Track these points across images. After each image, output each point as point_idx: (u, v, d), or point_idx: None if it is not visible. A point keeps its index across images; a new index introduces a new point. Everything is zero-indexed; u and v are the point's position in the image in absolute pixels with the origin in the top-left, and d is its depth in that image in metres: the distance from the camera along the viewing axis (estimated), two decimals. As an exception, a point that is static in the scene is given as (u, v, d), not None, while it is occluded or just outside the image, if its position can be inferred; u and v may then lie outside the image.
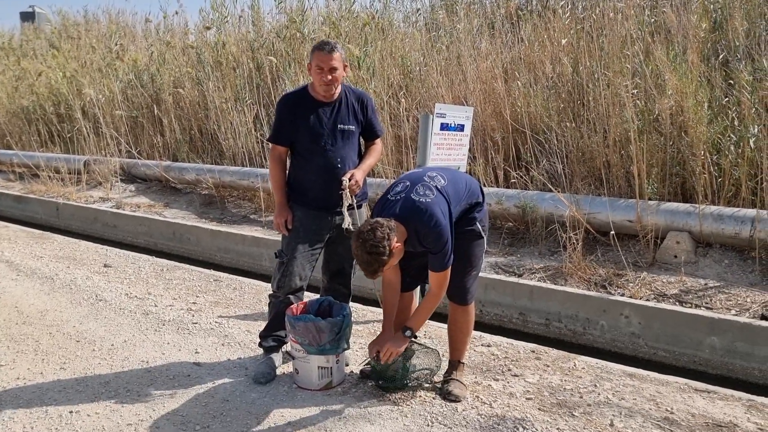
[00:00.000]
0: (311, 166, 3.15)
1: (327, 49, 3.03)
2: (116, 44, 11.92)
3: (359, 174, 3.12)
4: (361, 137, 3.30)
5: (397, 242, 2.62)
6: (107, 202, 8.45)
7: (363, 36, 8.62)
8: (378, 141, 3.36)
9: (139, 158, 9.42)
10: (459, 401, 2.87)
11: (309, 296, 3.35)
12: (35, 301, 4.44)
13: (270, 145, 3.26)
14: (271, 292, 3.24)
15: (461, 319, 3.03)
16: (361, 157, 3.28)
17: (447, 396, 2.90)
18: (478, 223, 2.92)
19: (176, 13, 12.38)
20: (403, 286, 3.04)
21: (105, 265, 5.42)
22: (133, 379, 3.18)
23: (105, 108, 10.05)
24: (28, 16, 19.04)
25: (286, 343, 3.22)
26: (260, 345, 3.26)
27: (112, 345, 3.62)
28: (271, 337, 3.21)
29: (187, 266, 5.45)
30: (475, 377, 3.12)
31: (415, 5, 10.64)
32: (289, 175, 3.26)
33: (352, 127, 3.18)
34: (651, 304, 4.24)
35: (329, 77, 3.02)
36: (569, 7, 7.47)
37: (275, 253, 3.22)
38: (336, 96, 3.15)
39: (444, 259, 2.73)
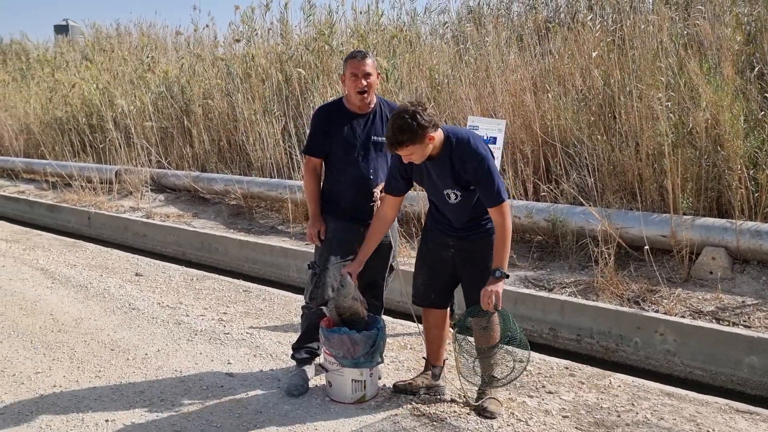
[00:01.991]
0: (344, 178, 3.18)
1: (359, 56, 3.11)
2: (148, 56, 12.14)
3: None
4: None
5: (432, 131, 2.64)
6: (137, 211, 8.57)
7: (391, 48, 8.67)
8: None
9: (168, 168, 9.55)
10: (494, 418, 2.84)
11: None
12: (70, 309, 4.51)
13: (305, 157, 3.28)
14: (304, 304, 3.24)
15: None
16: None
17: (482, 412, 2.87)
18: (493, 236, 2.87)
19: (206, 26, 12.51)
20: (430, 301, 3.07)
21: (136, 274, 5.49)
22: (168, 388, 3.20)
23: (136, 119, 10.22)
24: (61, 29, 19.43)
25: (318, 355, 3.21)
26: (293, 357, 3.26)
27: (146, 354, 3.66)
28: (304, 349, 3.21)
29: (217, 276, 5.50)
30: (509, 393, 3.09)
31: (442, 18, 10.66)
32: (323, 187, 3.28)
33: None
34: (687, 321, 4.15)
35: (364, 83, 3.06)
36: (599, 19, 7.43)
37: (308, 265, 3.24)
38: (371, 107, 3.18)
39: (494, 188, 2.70)
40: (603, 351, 4.43)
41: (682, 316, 4.29)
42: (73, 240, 7.15)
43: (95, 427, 2.85)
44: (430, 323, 3.12)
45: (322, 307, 3.11)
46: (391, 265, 3.33)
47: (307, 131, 3.53)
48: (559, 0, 9.36)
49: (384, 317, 3.96)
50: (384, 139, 3.14)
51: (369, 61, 3.08)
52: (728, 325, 4.12)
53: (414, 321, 3.43)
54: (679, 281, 4.80)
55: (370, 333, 2.88)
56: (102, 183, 9.54)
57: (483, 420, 2.82)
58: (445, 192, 2.84)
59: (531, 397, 3.06)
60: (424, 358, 3.24)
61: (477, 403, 2.93)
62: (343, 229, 3.17)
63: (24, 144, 12.53)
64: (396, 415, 2.88)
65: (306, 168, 3.26)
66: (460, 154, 2.74)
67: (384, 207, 2.99)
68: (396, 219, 3.36)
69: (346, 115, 3.16)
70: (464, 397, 3.02)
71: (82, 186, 9.51)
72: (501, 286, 2.75)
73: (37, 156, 11.90)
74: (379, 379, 3.16)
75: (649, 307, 4.50)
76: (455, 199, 2.83)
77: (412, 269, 3.17)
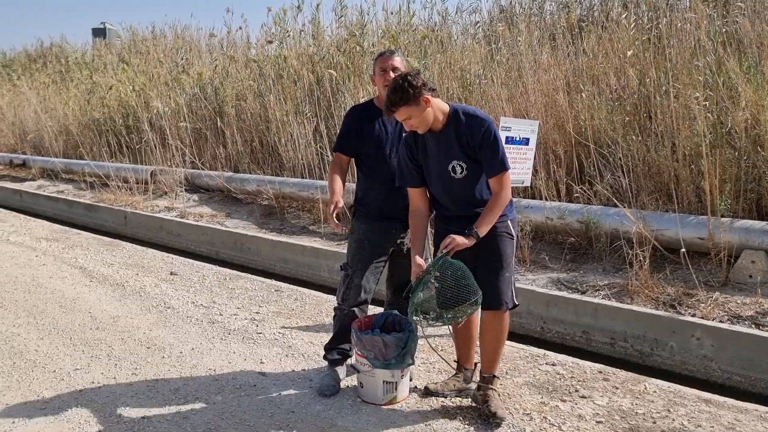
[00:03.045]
0: (376, 175, 3.20)
1: (387, 53, 3.20)
2: (182, 59, 12.34)
3: None
4: None
5: (428, 95, 2.69)
6: (172, 211, 8.71)
7: (422, 49, 8.66)
8: None
9: (202, 169, 9.69)
10: (504, 419, 2.80)
11: (373, 309, 3.36)
12: (107, 307, 4.61)
13: (334, 154, 3.29)
14: (336, 305, 3.26)
15: (495, 327, 2.88)
16: None
17: (492, 417, 2.79)
18: (509, 221, 2.89)
19: (239, 28, 12.66)
20: None
21: (171, 273, 5.59)
22: (202, 387, 3.25)
23: (171, 120, 10.40)
24: (99, 32, 19.87)
25: (350, 356, 3.23)
26: (325, 357, 3.28)
27: (181, 352, 3.72)
28: (336, 350, 3.23)
29: (249, 276, 5.56)
30: (542, 397, 3.06)
31: (474, 18, 10.60)
32: (356, 189, 3.31)
33: None
34: (725, 326, 4.06)
35: (392, 75, 3.04)
36: (633, 17, 7.30)
37: (341, 266, 3.25)
38: None
39: (499, 155, 2.74)
40: (637, 355, 4.36)
41: (720, 321, 4.20)
42: (110, 239, 7.30)
43: (132, 423, 2.91)
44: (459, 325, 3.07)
45: (354, 309, 3.13)
46: None
47: (338, 131, 3.53)
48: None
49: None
50: None
51: (397, 57, 3.16)
52: (768, 331, 4.02)
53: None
54: (717, 285, 4.70)
55: (402, 335, 2.89)
56: (138, 183, 9.73)
57: (515, 424, 2.80)
58: (450, 165, 2.81)
59: (564, 401, 3.02)
60: (455, 361, 3.21)
61: (481, 405, 2.89)
62: (375, 229, 3.18)
63: (63, 145, 12.85)
64: (427, 417, 2.88)
65: (332, 163, 3.28)
66: (469, 124, 2.76)
67: (414, 201, 2.97)
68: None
69: (377, 114, 3.18)
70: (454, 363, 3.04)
71: (118, 186, 9.71)
72: (463, 241, 2.72)
73: (75, 156, 12.18)
74: (411, 380, 3.17)
75: (685, 311, 4.41)
76: (461, 172, 2.80)
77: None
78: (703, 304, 4.43)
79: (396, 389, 2.94)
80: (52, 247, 6.77)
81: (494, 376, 2.95)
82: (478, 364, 3.08)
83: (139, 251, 6.62)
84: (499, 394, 2.95)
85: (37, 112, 13.85)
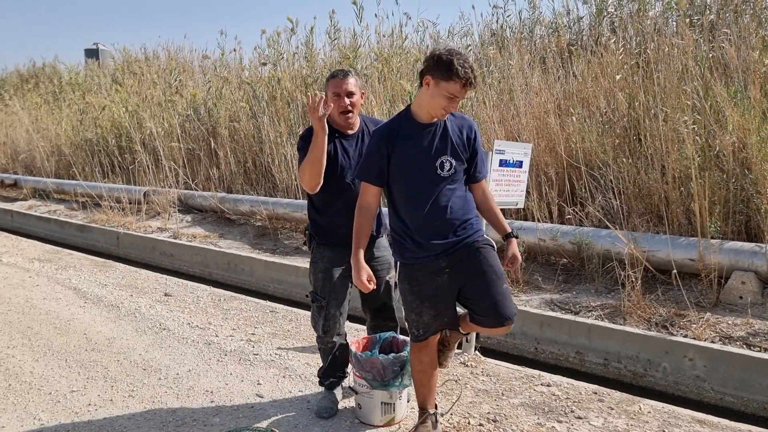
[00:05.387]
0: (339, 202, 3.03)
1: (341, 74, 2.98)
2: (176, 80, 12.41)
3: None
4: None
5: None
6: (165, 232, 8.71)
7: (414, 71, 8.77)
8: None
9: (195, 190, 9.71)
10: None
11: (353, 326, 3.38)
12: (102, 329, 4.60)
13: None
14: (318, 337, 3.16)
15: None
16: None
17: None
18: (484, 233, 2.77)
19: (233, 50, 12.75)
20: (441, 329, 2.78)
21: (165, 294, 5.58)
22: (199, 408, 3.25)
23: (164, 141, 10.43)
24: (92, 53, 19.93)
25: (345, 377, 3.24)
26: (320, 383, 3.28)
27: (177, 374, 3.72)
28: (329, 376, 3.22)
29: (244, 297, 5.57)
30: (538, 418, 3.08)
31: (465, 41, 10.76)
32: (316, 214, 3.14)
33: None
34: (717, 346, 4.11)
35: (347, 101, 2.94)
36: (621, 42, 7.45)
37: (310, 297, 3.13)
38: (357, 127, 3.07)
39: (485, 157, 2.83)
40: (631, 376, 4.39)
41: (712, 341, 4.25)
42: (103, 260, 7.29)
43: (130, 445, 2.91)
44: (425, 363, 2.77)
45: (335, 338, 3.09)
46: (395, 282, 3.15)
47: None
48: (582, 23, 9.42)
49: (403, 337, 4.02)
50: None
51: (351, 79, 2.95)
52: (759, 351, 4.07)
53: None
54: (708, 306, 4.76)
55: (400, 355, 2.91)
56: (131, 204, 9.73)
57: (512, 444, 2.82)
58: (438, 161, 2.62)
59: (560, 422, 3.05)
60: (412, 409, 3.01)
61: None
62: (341, 256, 3.01)
63: (55, 165, 12.82)
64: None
65: (301, 178, 3.04)
66: (460, 121, 2.70)
67: (368, 197, 2.72)
68: (386, 229, 3.16)
69: (332, 134, 2.98)
70: None
71: (111, 206, 9.70)
72: (517, 251, 2.80)
73: (68, 177, 12.16)
74: (408, 401, 3.18)
75: (677, 331, 4.46)
76: (449, 169, 2.63)
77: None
78: (694, 325, 4.48)
79: (394, 410, 2.95)
80: (45, 267, 6.74)
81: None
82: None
83: (132, 272, 6.61)
84: None
85: (29, 131, 13.84)
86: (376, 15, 12.62)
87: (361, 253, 2.69)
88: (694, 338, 4.29)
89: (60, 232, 9.97)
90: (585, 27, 9.32)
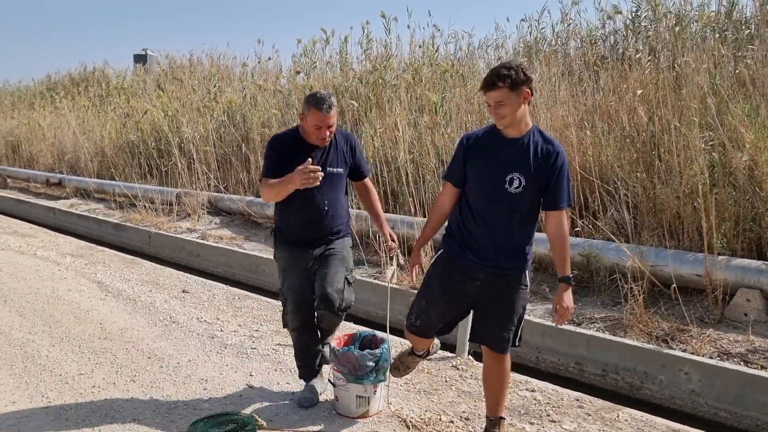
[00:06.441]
0: (299, 208, 3.16)
1: (325, 108, 3.00)
2: (214, 86, 12.83)
3: (390, 230, 3.36)
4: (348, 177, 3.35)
5: (528, 90, 2.54)
6: (194, 232, 9.02)
7: (443, 82, 8.89)
8: (369, 182, 3.44)
9: (225, 193, 10.03)
10: None
11: (348, 325, 3.51)
12: (117, 320, 4.86)
13: (262, 180, 3.23)
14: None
15: (498, 368, 2.83)
16: (346, 195, 3.37)
17: None
18: (526, 272, 2.77)
19: (269, 58, 13.10)
20: (435, 331, 2.89)
21: (183, 291, 5.83)
22: (192, 395, 3.45)
23: (198, 144, 10.80)
24: (140, 58, 20.66)
25: (318, 369, 3.39)
26: (300, 376, 3.43)
27: (178, 363, 3.93)
28: (302, 366, 3.38)
29: (257, 296, 5.76)
30: (511, 419, 3.16)
31: (498, 53, 10.84)
32: (277, 215, 3.29)
33: (341, 170, 3.22)
34: (713, 362, 4.10)
35: (327, 132, 3.05)
36: (648, 57, 7.43)
37: (277, 292, 3.39)
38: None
39: (568, 187, 2.64)
40: (628, 388, 4.40)
41: (710, 357, 4.23)
42: (131, 257, 7.61)
43: (123, 424, 3.12)
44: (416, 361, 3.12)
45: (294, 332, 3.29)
46: (347, 279, 3.25)
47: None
48: (615, 36, 9.38)
49: (400, 339, 4.14)
50: (339, 170, 3.18)
51: (333, 111, 3.02)
52: (756, 368, 4.04)
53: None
54: (712, 322, 4.72)
55: (374, 352, 3.04)
56: (164, 204, 10.10)
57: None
58: (509, 176, 2.61)
59: (532, 423, 3.12)
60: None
61: None
62: (295, 255, 3.23)
63: (98, 166, 13.38)
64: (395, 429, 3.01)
65: (262, 189, 3.23)
66: (550, 143, 2.63)
67: (444, 195, 2.82)
68: (349, 232, 3.38)
69: (302, 147, 3.12)
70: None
71: (145, 207, 10.09)
72: (570, 299, 2.68)
73: (108, 177, 12.67)
74: (388, 402, 3.29)
75: (677, 346, 4.45)
76: (517, 186, 2.61)
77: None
78: (695, 340, 4.46)
79: (369, 403, 3.08)
80: (75, 262, 7.09)
81: (501, 418, 2.88)
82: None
83: (157, 269, 6.89)
84: None
85: (75, 133, 14.48)
86: (408, 26, 12.72)
87: (421, 251, 2.95)
88: (693, 353, 4.28)
89: (97, 229, 10.41)
90: (619, 40, 9.27)
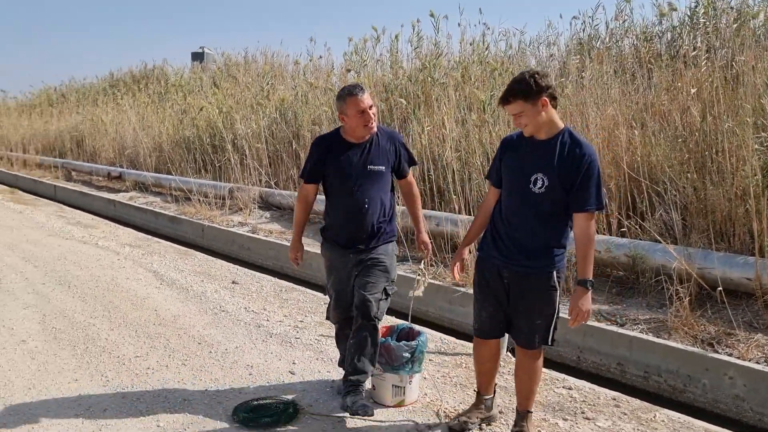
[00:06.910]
0: (340, 207, 3.25)
1: (358, 91, 3.11)
2: (267, 84, 13.14)
3: (427, 237, 3.40)
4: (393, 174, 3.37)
5: (546, 97, 2.60)
6: (245, 226, 9.29)
7: (492, 80, 8.87)
8: (413, 184, 3.45)
9: (275, 188, 10.28)
10: None
11: (391, 320, 3.61)
12: (171, 307, 5.11)
13: (301, 181, 3.38)
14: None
15: (529, 365, 2.86)
16: (393, 192, 3.36)
17: None
18: (555, 272, 2.75)
19: (320, 57, 13.31)
20: (494, 334, 2.95)
21: (233, 282, 6.05)
22: (238, 379, 3.64)
23: (251, 141, 11.10)
24: (197, 56, 21.27)
25: (360, 385, 3.36)
26: (339, 365, 3.48)
27: (226, 349, 4.12)
28: (346, 381, 3.34)
29: (303, 288, 5.94)
30: (545, 414, 3.20)
31: (549, 51, 10.72)
32: (325, 213, 3.39)
33: (382, 168, 3.23)
34: (759, 367, 4.02)
35: (371, 115, 3.10)
36: (706, 55, 7.24)
37: (325, 286, 3.52)
38: (367, 136, 3.21)
39: (596, 189, 2.64)
40: (670, 390, 4.36)
41: (757, 362, 4.15)
42: (185, 249, 7.92)
43: (175, 403, 3.33)
44: (485, 357, 3.01)
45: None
46: (386, 290, 3.26)
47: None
48: (672, 33, 9.15)
49: (447, 337, 4.22)
50: (380, 167, 3.21)
51: (367, 93, 3.11)
52: (804, 375, 3.94)
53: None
54: (762, 327, 4.62)
55: (411, 344, 3.13)
56: (217, 199, 10.44)
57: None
58: (533, 177, 2.68)
59: (565, 420, 3.16)
60: (475, 391, 3.16)
61: None
62: (337, 256, 3.30)
63: (156, 160, 13.90)
64: (428, 421, 3.09)
65: (299, 193, 3.40)
66: (573, 145, 2.65)
67: (488, 195, 2.97)
68: (395, 237, 3.38)
69: (343, 146, 3.20)
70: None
71: (199, 200, 10.46)
72: (588, 302, 2.67)
73: (165, 171, 13.15)
74: (425, 395, 3.37)
75: (723, 350, 4.38)
76: (540, 186, 2.67)
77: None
78: (742, 344, 4.38)
79: (404, 393, 3.18)
80: (133, 252, 7.44)
81: (529, 412, 2.92)
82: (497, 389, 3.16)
83: (209, 261, 7.16)
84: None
85: (135, 129, 15.07)
86: (459, 24, 12.70)
87: (465, 249, 3.03)
88: (739, 357, 4.20)
89: (154, 222, 10.84)
90: (676, 36, 9.05)
